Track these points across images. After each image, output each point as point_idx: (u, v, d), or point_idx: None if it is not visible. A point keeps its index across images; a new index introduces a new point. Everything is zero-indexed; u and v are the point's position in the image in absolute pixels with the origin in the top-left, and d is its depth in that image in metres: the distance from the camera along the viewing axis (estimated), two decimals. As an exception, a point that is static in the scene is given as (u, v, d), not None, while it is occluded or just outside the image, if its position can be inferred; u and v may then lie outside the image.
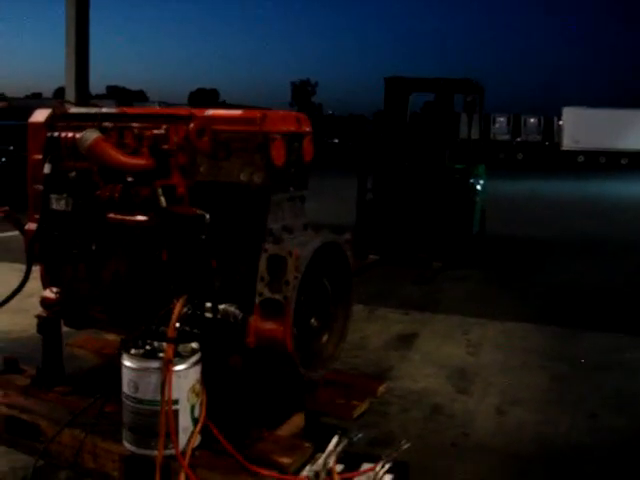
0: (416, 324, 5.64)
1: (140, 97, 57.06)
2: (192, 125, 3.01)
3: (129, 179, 3.14)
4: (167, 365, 2.78)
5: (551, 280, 7.59)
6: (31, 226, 3.51)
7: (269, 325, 2.94)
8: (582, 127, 32.91)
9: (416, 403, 4.07)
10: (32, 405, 3.33)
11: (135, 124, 3.15)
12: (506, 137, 37.76)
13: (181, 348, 2.89)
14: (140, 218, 3.12)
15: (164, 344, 2.90)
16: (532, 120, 39.13)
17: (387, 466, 2.72)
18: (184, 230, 3.03)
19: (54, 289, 3.58)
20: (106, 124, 3.19)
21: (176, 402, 2.83)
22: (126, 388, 2.88)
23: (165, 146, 3.07)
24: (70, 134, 3.28)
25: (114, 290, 3.33)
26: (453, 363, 4.75)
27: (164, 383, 2.78)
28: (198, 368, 2.90)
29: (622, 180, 25.57)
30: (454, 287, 7.06)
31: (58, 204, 3.33)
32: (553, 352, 5.03)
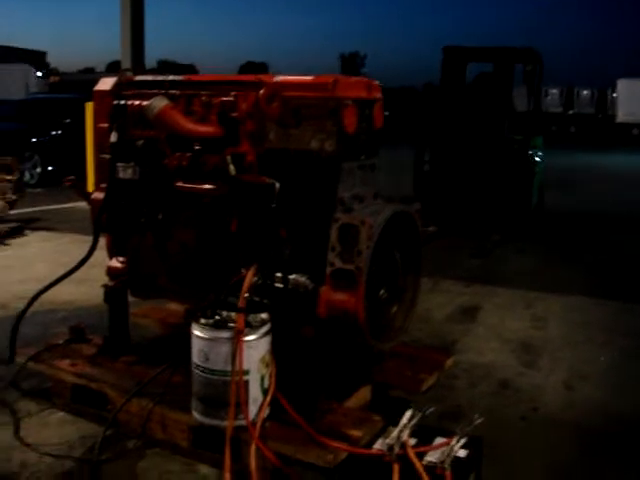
0: (478, 297, 5.53)
1: (190, 71, 57.01)
2: (262, 92, 2.94)
3: (197, 147, 3.09)
4: (238, 335, 2.75)
5: (613, 255, 7.36)
6: (97, 195, 3.51)
7: (340, 296, 2.88)
8: (637, 99, 31.82)
9: (483, 377, 3.98)
10: (99, 374, 3.35)
11: (203, 91, 3.09)
12: (559, 109, 36.79)
13: (251, 318, 2.85)
14: (209, 187, 3.07)
15: (233, 314, 2.87)
16: (585, 92, 38.02)
17: (462, 441, 2.64)
18: (254, 199, 2.98)
19: (120, 259, 3.58)
20: (173, 92, 3.14)
21: (246, 372, 2.80)
22: (196, 358, 2.86)
23: (234, 113, 3.00)
24: (137, 102, 3.24)
25: (182, 259, 3.30)
26: (518, 337, 4.64)
27: (235, 353, 2.75)
28: (268, 339, 2.87)
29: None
30: (514, 260, 6.91)
31: (125, 173, 3.31)
32: (618, 327, 4.88)
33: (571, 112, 37.38)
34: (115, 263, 3.60)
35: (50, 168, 11.76)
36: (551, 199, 9.49)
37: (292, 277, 2.92)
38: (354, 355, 3.24)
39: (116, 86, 3.40)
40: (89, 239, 7.38)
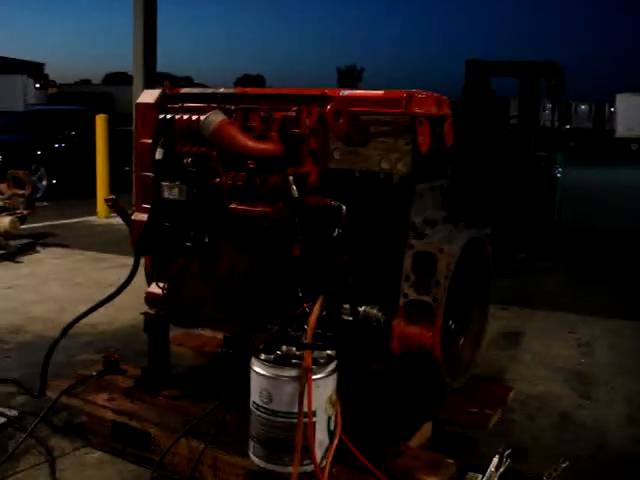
0: (518, 320, 5.30)
1: (187, 83, 56.61)
2: (329, 107, 2.70)
3: (254, 166, 2.85)
4: (307, 373, 2.50)
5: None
6: (138, 216, 3.26)
7: (416, 330, 2.64)
8: (636, 114, 31.83)
9: (540, 410, 3.75)
10: (141, 410, 3.09)
11: (261, 105, 2.85)
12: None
13: (316, 354, 2.61)
14: (268, 209, 2.83)
15: (294, 349, 2.63)
16: (583, 107, 38.11)
17: (557, 491, 2.41)
18: (318, 223, 2.74)
19: (161, 284, 3.32)
20: (227, 106, 2.90)
21: (313, 414, 2.55)
22: (257, 398, 2.61)
23: (296, 130, 2.77)
24: (186, 116, 3.00)
25: (231, 286, 3.06)
26: (567, 365, 4.41)
27: (302, 393, 2.51)
28: (335, 376, 2.62)
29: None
30: (544, 280, 6.69)
31: (171, 192, 3.07)
32: (673, 354, 4.66)
33: (568, 127, 37.37)
34: (155, 289, 3.34)
35: (54, 181, 11.50)
36: (567, 215, 9.32)
37: (362, 309, 2.69)
38: (416, 391, 3.00)
39: (161, 99, 3.15)
40: (102, 257, 7.16)
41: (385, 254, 2.73)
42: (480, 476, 2.52)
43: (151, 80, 8.75)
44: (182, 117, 3.01)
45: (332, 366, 2.61)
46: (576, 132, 36.90)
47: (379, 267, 2.73)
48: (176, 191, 3.06)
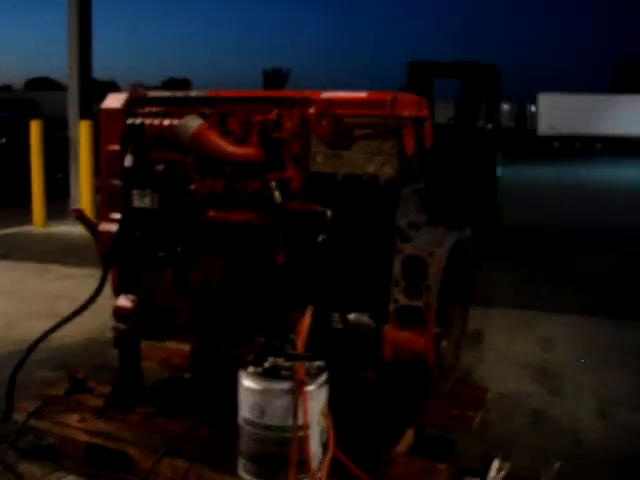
0: (475, 319, 5.28)
1: (111, 88, 54.89)
2: (312, 109, 2.63)
3: (233, 172, 2.75)
4: (300, 386, 2.42)
5: (584, 268, 7.37)
6: (106, 227, 3.11)
7: (407, 335, 2.59)
8: (558, 113, 32.97)
9: (513, 408, 3.78)
10: (115, 430, 2.93)
11: (239, 109, 2.76)
12: (480, 123, 37.73)
13: (306, 365, 2.53)
14: (250, 216, 2.73)
15: (281, 361, 2.54)
16: (505, 106, 39.18)
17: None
18: (302, 229, 2.66)
19: (130, 297, 3.17)
20: (203, 109, 2.79)
21: (307, 427, 2.48)
22: (247, 413, 2.51)
23: (277, 134, 2.69)
24: (157, 121, 2.87)
25: (211, 298, 2.94)
26: (532, 362, 4.48)
27: (296, 406, 2.43)
28: (326, 388, 2.55)
29: (606, 165, 25.67)
30: (496, 278, 6.76)
31: (141, 201, 2.94)
32: (630, 347, 4.78)
33: (490, 126, 38.40)
34: (124, 302, 3.18)
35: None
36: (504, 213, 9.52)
37: (351, 316, 2.63)
38: (401, 396, 2.97)
39: (128, 103, 3.01)
40: (46, 268, 6.87)
41: (371, 259, 2.68)
42: (477, 480, 2.50)
43: (87, 85, 8.48)
44: (153, 122, 2.88)
45: (324, 377, 2.53)
46: (498, 131, 37.98)
47: (366, 273, 2.68)
48: (147, 199, 2.93)
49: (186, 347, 3.68)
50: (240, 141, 2.71)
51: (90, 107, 8.79)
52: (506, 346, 4.76)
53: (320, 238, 2.60)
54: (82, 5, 8.36)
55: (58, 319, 5.09)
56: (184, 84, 68.90)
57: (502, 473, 2.49)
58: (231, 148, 2.65)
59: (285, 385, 2.45)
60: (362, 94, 2.69)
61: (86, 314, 5.25)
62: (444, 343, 3.04)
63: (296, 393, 2.42)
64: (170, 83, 67.74)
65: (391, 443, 2.87)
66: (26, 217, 9.11)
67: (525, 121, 39.28)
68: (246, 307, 2.88)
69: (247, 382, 2.50)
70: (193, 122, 2.63)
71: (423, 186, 2.95)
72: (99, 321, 4.98)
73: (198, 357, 3.59)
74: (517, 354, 4.61)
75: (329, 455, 2.54)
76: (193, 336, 3.14)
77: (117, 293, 3.23)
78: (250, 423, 2.50)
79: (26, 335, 4.79)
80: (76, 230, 8.75)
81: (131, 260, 3.06)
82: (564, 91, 35.20)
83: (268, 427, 2.46)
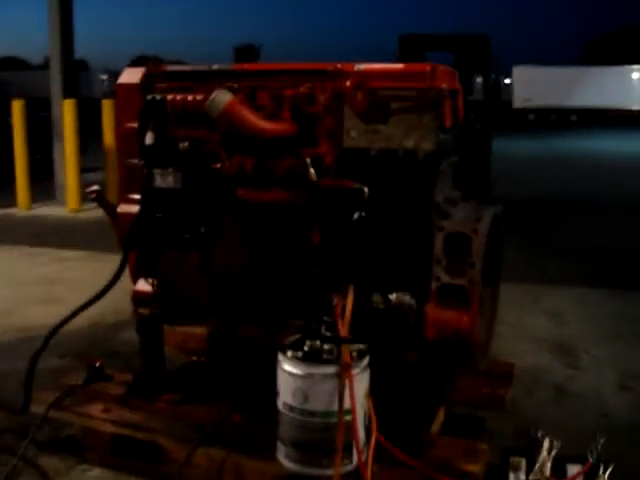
0: (483, 294, 5.31)
1: (81, 66, 53.22)
2: (347, 82, 2.52)
3: (262, 149, 2.63)
4: (346, 370, 2.34)
5: (577, 239, 7.41)
6: (125, 208, 2.97)
7: (451, 314, 2.52)
8: (532, 86, 33.05)
9: (535, 383, 3.75)
10: (144, 420, 2.83)
11: (267, 83, 2.63)
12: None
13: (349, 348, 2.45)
14: (283, 195, 2.62)
15: (318, 344, 2.46)
16: (478, 79, 39.17)
17: (610, 468, 2.37)
18: (339, 207, 2.56)
19: (150, 281, 3.05)
20: (230, 84, 2.66)
21: (353, 411, 2.40)
22: (290, 398, 2.42)
23: (310, 108, 2.57)
24: (180, 96, 2.73)
25: (240, 280, 2.84)
26: (546, 336, 4.45)
27: (342, 391, 2.35)
28: (368, 370, 2.47)
29: (581, 136, 25.83)
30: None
31: (164, 181, 2.81)
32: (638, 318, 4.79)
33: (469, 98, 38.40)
34: (143, 286, 3.06)
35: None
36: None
37: (393, 296, 2.54)
38: (435, 375, 2.90)
39: (146, 78, 2.87)
40: (38, 251, 6.69)
41: (410, 237, 2.59)
42: (524, 460, 2.45)
43: (70, 63, 8.22)
44: (175, 97, 2.74)
45: (366, 360, 2.46)
46: (473, 103, 37.99)
47: (405, 251, 2.59)
48: (170, 179, 2.80)
49: (201, 330, 3.59)
50: (271, 116, 2.59)
51: (74, 86, 8.54)
52: (517, 321, 4.73)
53: (358, 216, 2.52)
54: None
55: (57, 304, 4.99)
56: (155, 61, 67.63)
57: (553, 452, 2.44)
58: (264, 124, 2.52)
59: (330, 369, 2.36)
60: (399, 65, 2.58)
61: (84, 298, 5.12)
62: (480, 320, 2.98)
63: (341, 377, 2.34)
64: (140, 60, 66.39)
65: (426, 423, 2.81)
66: (8, 199, 8.86)
67: (499, 93, 39.28)
68: (276, 289, 2.78)
69: (288, 367, 2.41)
70: (224, 96, 2.50)
71: (456, 160, 2.86)
72: (100, 305, 4.85)
73: (215, 340, 3.50)
74: (530, 329, 4.58)
75: (373, 439, 2.48)
76: (217, 319, 3.03)
77: (136, 277, 3.11)
78: (292, 409, 2.41)
79: (27, 322, 4.67)
80: (61, 211, 8.58)
81: (152, 242, 2.94)
82: (538, 64, 35.30)
83: (312, 413, 2.38)
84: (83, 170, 8.73)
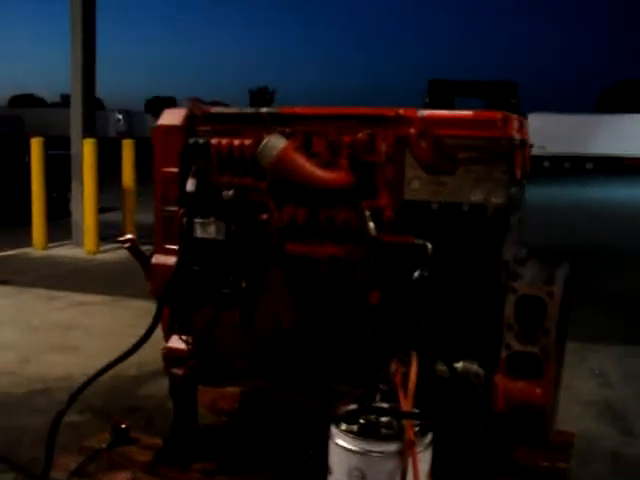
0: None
1: (96, 105, 53.90)
2: (411, 129, 2.32)
3: (317, 200, 2.43)
4: (411, 448, 2.09)
5: (609, 288, 7.15)
6: (159, 259, 2.76)
7: (522, 385, 2.28)
8: (548, 132, 33.00)
9: (590, 452, 3.46)
10: (178, 492, 2.58)
11: (324, 128, 2.44)
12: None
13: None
14: (337, 250, 2.41)
15: (378, 418, 2.21)
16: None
17: None
18: (399, 265, 2.34)
19: (184, 338, 2.82)
20: (280, 128, 2.47)
21: (414, 493, 2.15)
22: (344, 477, 2.17)
23: (370, 156, 2.37)
24: (225, 140, 2.55)
25: (284, 340, 2.61)
26: (594, 399, 4.17)
27: (404, 471, 2.09)
28: (431, 448, 2.22)
29: (600, 184, 25.67)
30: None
31: (205, 231, 2.60)
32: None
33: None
34: (177, 343, 2.83)
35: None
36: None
37: (459, 365, 2.30)
38: (500, 448, 2.65)
39: (188, 120, 2.68)
40: (54, 295, 6.41)
41: (477, 299, 2.36)
42: None
43: (91, 102, 8.14)
44: (220, 141, 2.56)
45: (430, 437, 2.21)
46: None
47: (471, 315, 2.36)
48: (212, 229, 2.60)
49: (233, 389, 3.34)
50: (327, 165, 2.39)
51: (93, 125, 8.42)
52: (564, 382, 4.45)
53: (420, 275, 2.30)
54: (86, 18, 8.01)
55: (74, 353, 4.75)
56: (169, 102, 68.60)
57: None
58: (321, 173, 2.33)
59: (391, 447, 2.11)
60: (467, 112, 2.39)
61: (102, 346, 4.85)
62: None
63: (405, 456, 2.09)
64: (155, 101, 67.33)
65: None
66: (24, 238, 8.69)
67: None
68: (324, 352, 2.55)
69: (343, 442, 2.16)
70: (277, 142, 2.31)
71: (523, 215, 2.65)
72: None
73: (248, 401, 3.26)
74: (577, 391, 4.30)
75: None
76: (258, 383, 2.79)
77: (168, 333, 2.88)
78: (348, 491, 2.16)
79: (42, 371, 4.42)
80: (78, 252, 8.38)
81: (189, 297, 2.72)
82: (553, 110, 35.33)
83: (370, 495, 2.13)
84: (100, 210, 8.57)
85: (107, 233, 8.82)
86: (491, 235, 2.35)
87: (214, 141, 2.57)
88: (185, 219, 2.61)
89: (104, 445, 2.86)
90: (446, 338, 2.33)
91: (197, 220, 2.60)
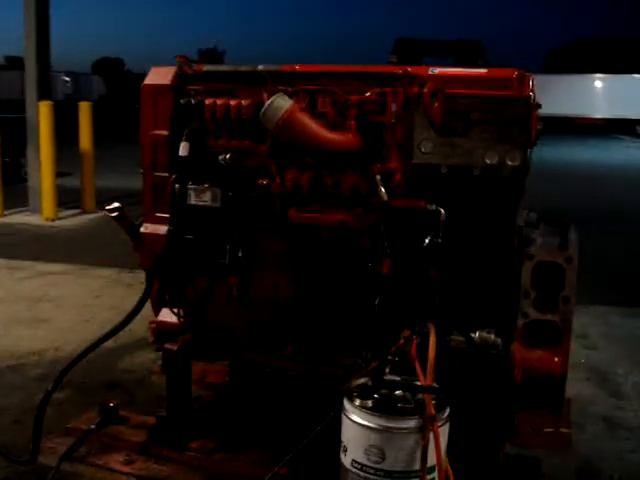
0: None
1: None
2: (424, 88, 2.19)
3: (323, 163, 2.29)
4: (432, 423, 2.00)
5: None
6: (150, 228, 2.59)
7: (541, 354, 2.21)
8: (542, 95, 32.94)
9: (582, 416, 3.46)
10: (176, 474, 2.46)
11: (331, 87, 2.28)
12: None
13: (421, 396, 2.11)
14: (344, 217, 2.28)
15: (393, 392, 2.12)
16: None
17: None
18: (410, 231, 2.23)
19: (175, 312, 2.67)
20: (278, 87, 2.30)
21: (432, 469, 2.07)
22: (361, 456, 2.07)
23: (379, 117, 2.24)
24: (221, 100, 2.37)
25: (286, 311, 2.48)
26: (579, 361, 4.18)
27: (426, 447, 2.01)
28: (449, 423, 2.14)
29: (552, 144, 25.95)
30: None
31: (199, 198, 2.44)
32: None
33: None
34: (168, 317, 2.68)
35: None
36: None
37: (475, 335, 2.22)
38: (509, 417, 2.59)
39: (178, 79, 2.49)
40: (16, 265, 6.13)
41: (490, 266, 2.27)
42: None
43: (46, 64, 7.74)
44: (216, 101, 2.38)
45: (448, 411, 2.12)
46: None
47: (484, 282, 2.27)
48: (207, 195, 2.44)
49: (221, 363, 3.22)
50: (333, 126, 2.24)
51: (49, 88, 8.02)
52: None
53: (432, 241, 2.19)
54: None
55: (45, 326, 4.54)
56: (117, 64, 66.47)
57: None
58: (330, 135, 2.18)
59: (412, 423, 2.02)
60: (481, 70, 2.26)
61: (73, 318, 4.63)
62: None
63: (426, 432, 2.00)
64: (102, 63, 65.14)
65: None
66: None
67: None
68: (330, 323, 2.43)
69: (360, 419, 2.06)
70: (284, 103, 2.15)
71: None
72: (95, 327, 4.44)
73: (237, 374, 3.14)
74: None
75: (453, 499, 2.15)
76: (255, 356, 2.66)
77: (158, 307, 2.73)
78: (365, 468, 2.06)
79: (12, 346, 4.21)
80: (36, 220, 8.04)
81: (182, 268, 2.57)
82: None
83: (390, 473, 2.03)
84: (59, 175, 8.22)
85: (65, 199, 8.49)
86: (506, 199, 2.25)
87: (209, 101, 2.40)
88: (177, 185, 2.45)
89: (93, 426, 2.70)
90: (461, 307, 2.24)
91: (191, 186, 2.44)
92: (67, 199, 8.60)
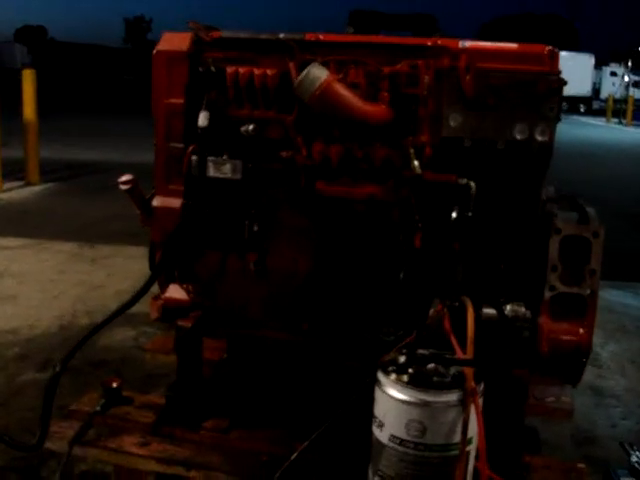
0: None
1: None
2: (459, 61, 2.17)
3: (354, 136, 2.24)
4: (473, 396, 2.02)
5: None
6: (164, 202, 2.49)
7: (567, 327, 2.25)
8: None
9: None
10: (194, 455, 2.39)
11: (363, 58, 2.24)
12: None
13: (455, 370, 2.13)
14: (375, 190, 2.25)
15: (427, 365, 2.12)
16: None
17: None
18: (441, 205, 2.23)
19: (185, 287, 2.59)
20: (309, 57, 2.24)
21: (470, 441, 2.09)
22: (401, 431, 2.06)
23: (412, 89, 2.21)
24: (244, 69, 2.29)
25: (308, 287, 2.44)
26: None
27: (467, 420, 2.02)
28: (483, 397, 2.16)
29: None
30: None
31: (219, 170, 2.36)
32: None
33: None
34: (177, 293, 2.60)
35: None
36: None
37: (507, 308, 2.24)
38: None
39: (195, 45, 2.39)
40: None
41: (518, 240, 2.29)
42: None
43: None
44: (238, 70, 2.30)
45: (483, 385, 2.14)
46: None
47: (512, 256, 2.29)
48: (228, 168, 2.35)
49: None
50: (366, 97, 2.20)
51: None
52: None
53: (463, 215, 2.19)
54: None
55: (13, 303, 4.35)
56: (40, 31, 63.52)
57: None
58: (367, 107, 2.14)
59: (453, 396, 2.03)
60: (512, 45, 2.26)
61: (42, 295, 4.49)
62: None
63: (467, 405, 2.02)
64: (25, 30, 62.13)
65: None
66: None
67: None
68: (354, 298, 2.41)
69: (399, 393, 2.05)
70: (321, 73, 2.09)
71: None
72: (66, 303, 4.29)
73: (236, 349, 3.08)
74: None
75: (486, 470, 2.18)
76: (273, 332, 2.61)
77: (166, 282, 2.64)
78: (405, 443, 2.06)
79: (-22, 324, 4.03)
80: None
81: (197, 242, 2.48)
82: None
83: (429, 447, 2.04)
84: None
85: (4, 170, 8.12)
86: (533, 174, 2.27)
87: (230, 69, 2.31)
88: (195, 157, 2.35)
89: (98, 408, 2.60)
90: (488, 280, 2.26)
91: (210, 158, 2.35)
92: (6, 170, 8.23)
